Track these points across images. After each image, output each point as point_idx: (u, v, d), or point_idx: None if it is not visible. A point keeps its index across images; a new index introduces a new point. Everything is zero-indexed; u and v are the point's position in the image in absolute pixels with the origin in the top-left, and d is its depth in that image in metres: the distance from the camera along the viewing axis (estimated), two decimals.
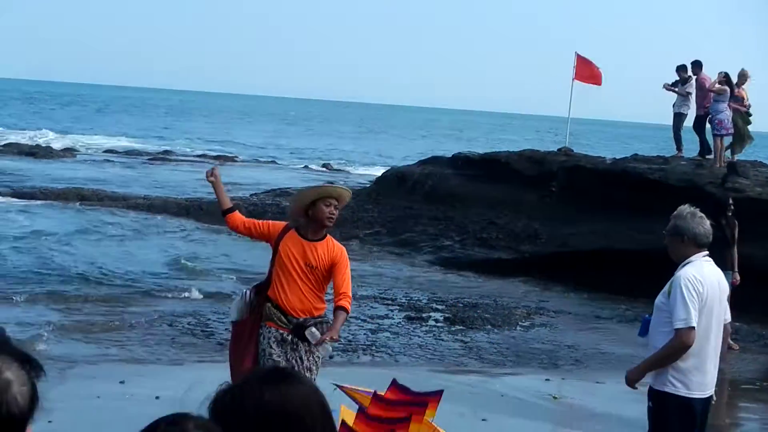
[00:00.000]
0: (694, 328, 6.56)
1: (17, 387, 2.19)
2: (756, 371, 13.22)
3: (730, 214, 15.30)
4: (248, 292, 7.93)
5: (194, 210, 26.20)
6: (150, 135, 66.90)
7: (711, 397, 6.91)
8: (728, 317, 7.12)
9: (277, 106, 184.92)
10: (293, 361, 7.67)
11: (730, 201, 16.09)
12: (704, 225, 6.82)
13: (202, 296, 16.36)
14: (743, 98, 20.52)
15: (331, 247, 7.80)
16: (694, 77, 21.60)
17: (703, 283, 6.64)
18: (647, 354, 6.91)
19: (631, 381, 6.97)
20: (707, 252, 6.84)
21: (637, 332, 7.40)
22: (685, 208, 6.91)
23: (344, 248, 7.98)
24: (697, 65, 21.66)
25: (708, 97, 20.99)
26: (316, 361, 7.84)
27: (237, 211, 8.05)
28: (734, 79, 20.26)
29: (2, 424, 2.17)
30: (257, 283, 8.25)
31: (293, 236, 7.75)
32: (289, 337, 7.69)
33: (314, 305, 7.76)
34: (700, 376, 6.70)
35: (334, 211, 7.74)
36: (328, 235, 7.83)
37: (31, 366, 2.26)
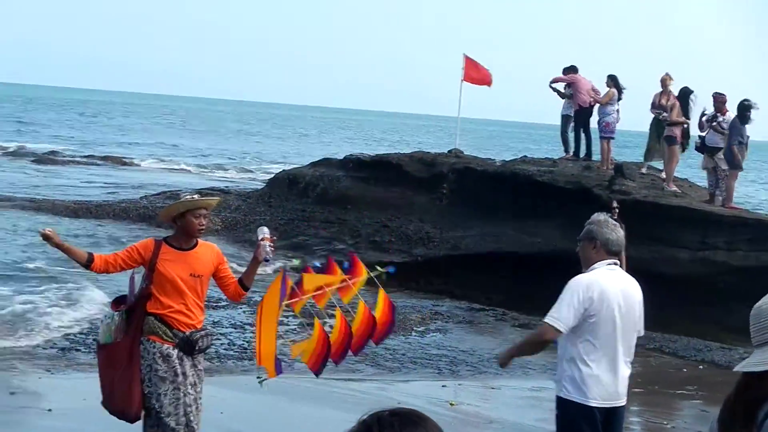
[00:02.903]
0: (557, 328, 6.61)
1: None
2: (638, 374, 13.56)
3: (615, 217, 15.56)
4: (117, 313, 7.73)
5: (83, 212, 25.76)
6: (29, 134, 65.30)
7: (619, 408, 6.87)
8: (641, 330, 6.98)
9: (159, 105, 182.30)
10: (180, 376, 7.60)
11: (615, 204, 16.38)
12: (617, 232, 6.87)
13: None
14: (663, 106, 19.76)
15: (209, 250, 7.87)
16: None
17: (595, 291, 6.64)
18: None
19: (501, 363, 7.27)
20: (615, 260, 6.86)
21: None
22: (600, 215, 7.03)
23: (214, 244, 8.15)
24: (571, 70, 22.12)
25: (579, 97, 21.50)
26: (199, 376, 7.80)
27: (95, 255, 7.75)
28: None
29: None
30: (118, 297, 8.06)
31: (168, 251, 7.66)
32: (175, 351, 7.59)
33: (198, 318, 7.74)
34: (600, 386, 6.70)
35: (204, 221, 7.72)
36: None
37: None
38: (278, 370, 7.79)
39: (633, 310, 6.83)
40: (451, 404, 11.54)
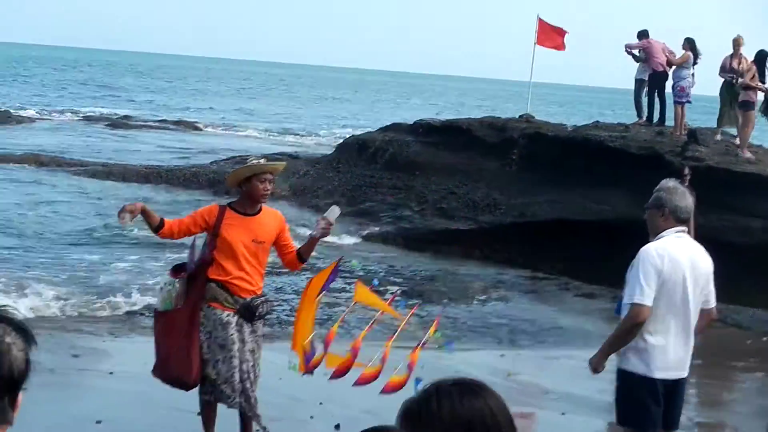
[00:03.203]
0: (645, 305, 6.39)
1: (16, 351, 2.31)
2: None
3: (686, 184, 15.26)
4: (178, 280, 7.71)
5: (154, 177, 26.00)
6: (108, 99, 66.15)
7: (681, 380, 6.73)
8: (711, 301, 6.77)
9: (236, 70, 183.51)
10: (238, 343, 7.61)
11: (686, 171, 16.08)
12: (686, 199, 6.66)
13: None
14: (735, 69, 19.32)
15: (273, 217, 7.85)
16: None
17: (665, 259, 6.45)
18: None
19: (595, 367, 6.83)
20: (683, 228, 6.67)
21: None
22: (669, 181, 6.81)
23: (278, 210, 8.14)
24: (644, 35, 21.76)
25: (653, 61, 21.15)
26: (258, 343, 7.83)
27: (165, 221, 7.77)
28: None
29: (2, 384, 2.29)
30: (177, 265, 8.06)
31: (232, 216, 7.67)
32: (234, 318, 7.61)
33: (258, 284, 7.76)
34: (664, 357, 6.54)
35: (269, 186, 7.71)
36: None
37: (25, 335, 2.37)
38: (308, 371, 7.53)
39: (701, 279, 6.63)
40: (509, 374, 11.42)
